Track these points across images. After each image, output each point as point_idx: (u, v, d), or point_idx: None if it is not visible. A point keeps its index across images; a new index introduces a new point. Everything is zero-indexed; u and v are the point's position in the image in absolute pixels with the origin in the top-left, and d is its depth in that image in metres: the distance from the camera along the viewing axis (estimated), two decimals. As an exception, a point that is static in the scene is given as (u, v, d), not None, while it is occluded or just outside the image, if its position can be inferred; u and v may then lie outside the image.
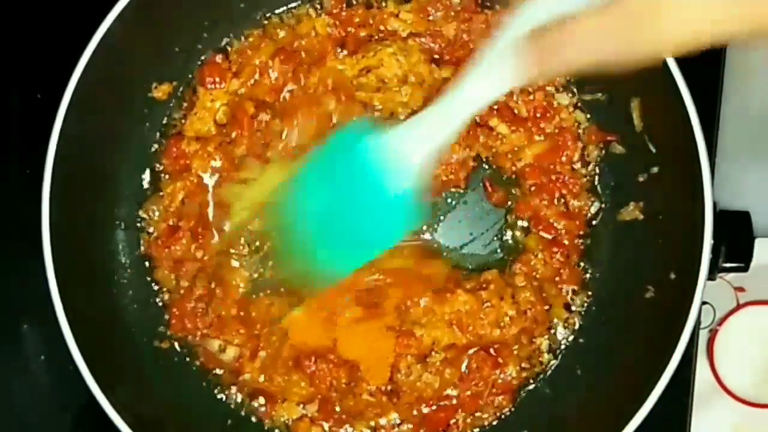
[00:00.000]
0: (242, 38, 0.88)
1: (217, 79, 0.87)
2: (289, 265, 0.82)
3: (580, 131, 0.85)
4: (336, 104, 0.85)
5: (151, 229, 0.87)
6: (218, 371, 0.85)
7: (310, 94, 0.85)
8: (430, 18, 0.86)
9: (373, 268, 0.83)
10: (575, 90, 0.85)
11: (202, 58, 0.88)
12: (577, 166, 0.85)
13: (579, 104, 0.85)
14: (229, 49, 0.88)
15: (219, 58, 0.87)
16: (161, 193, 0.87)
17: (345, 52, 0.86)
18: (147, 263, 0.87)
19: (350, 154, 0.78)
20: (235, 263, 0.85)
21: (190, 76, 0.88)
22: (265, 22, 0.88)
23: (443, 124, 0.70)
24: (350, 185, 0.77)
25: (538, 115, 0.85)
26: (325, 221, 0.79)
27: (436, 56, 0.86)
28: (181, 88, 0.88)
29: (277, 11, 0.88)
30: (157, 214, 0.86)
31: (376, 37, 0.87)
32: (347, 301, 0.83)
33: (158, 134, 0.88)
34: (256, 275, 0.85)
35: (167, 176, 0.87)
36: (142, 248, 0.86)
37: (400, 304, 0.83)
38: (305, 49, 0.87)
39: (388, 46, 0.85)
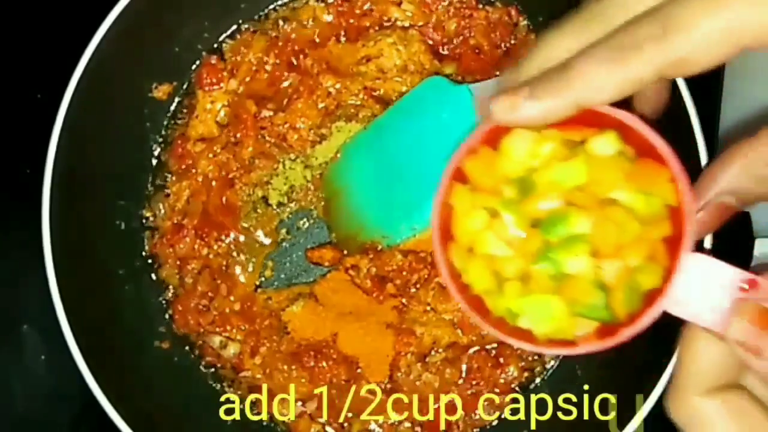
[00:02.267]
0: (237, 36, 0.88)
1: (214, 80, 0.87)
2: (344, 227, 0.84)
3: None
4: (334, 81, 0.85)
5: (155, 228, 0.87)
6: (219, 369, 0.85)
7: (308, 77, 0.86)
8: (431, 11, 0.86)
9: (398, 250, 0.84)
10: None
11: (202, 57, 0.88)
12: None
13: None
14: (223, 47, 0.88)
15: (214, 59, 0.87)
16: (165, 192, 0.87)
17: (345, 40, 0.87)
18: (149, 262, 0.87)
19: (424, 112, 0.80)
20: (242, 261, 0.86)
21: (190, 75, 0.88)
22: (267, 18, 0.88)
23: None
24: (421, 145, 0.79)
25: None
26: (390, 182, 0.80)
27: (438, 50, 0.86)
28: (181, 89, 0.88)
29: (278, 5, 0.88)
30: (162, 212, 0.86)
31: (377, 28, 0.87)
32: (347, 295, 0.84)
33: (159, 134, 0.88)
34: (259, 272, 0.86)
35: (173, 175, 0.87)
36: (147, 247, 0.87)
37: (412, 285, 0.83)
38: (304, 39, 0.87)
39: (387, 36, 0.85)
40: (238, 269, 0.86)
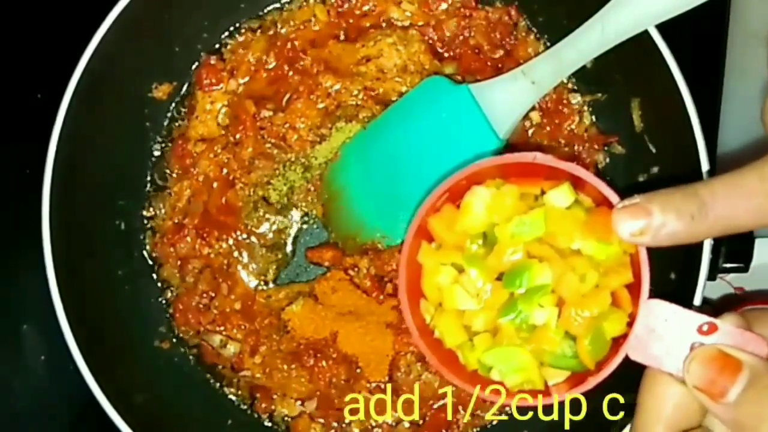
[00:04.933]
0: (236, 36, 0.88)
1: (214, 81, 0.87)
2: (344, 228, 0.84)
3: (585, 134, 0.85)
4: (334, 81, 0.85)
5: (156, 228, 0.87)
6: (219, 368, 0.85)
7: (308, 77, 0.86)
8: (431, 11, 0.86)
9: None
10: (582, 90, 0.85)
11: (202, 57, 0.88)
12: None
13: (586, 107, 0.85)
14: (223, 49, 0.88)
15: (213, 59, 0.87)
16: (166, 192, 0.87)
17: (345, 40, 0.87)
18: (149, 262, 0.87)
19: (424, 112, 0.80)
20: (243, 260, 0.86)
21: (190, 75, 0.88)
22: (266, 18, 0.88)
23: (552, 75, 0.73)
24: (421, 145, 0.79)
25: (556, 121, 0.85)
26: (389, 182, 0.81)
27: (438, 50, 0.86)
28: (181, 89, 0.88)
29: (278, 5, 0.88)
30: (162, 212, 0.87)
31: (377, 28, 0.87)
32: (347, 295, 0.84)
33: (159, 134, 0.88)
34: (260, 271, 0.86)
35: (173, 175, 0.87)
36: (148, 246, 0.87)
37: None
38: (304, 39, 0.87)
39: (387, 36, 0.85)
40: (238, 268, 0.86)
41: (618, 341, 0.56)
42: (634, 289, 0.56)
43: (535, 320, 0.57)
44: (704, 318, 0.53)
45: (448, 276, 0.60)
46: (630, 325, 0.55)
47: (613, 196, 0.56)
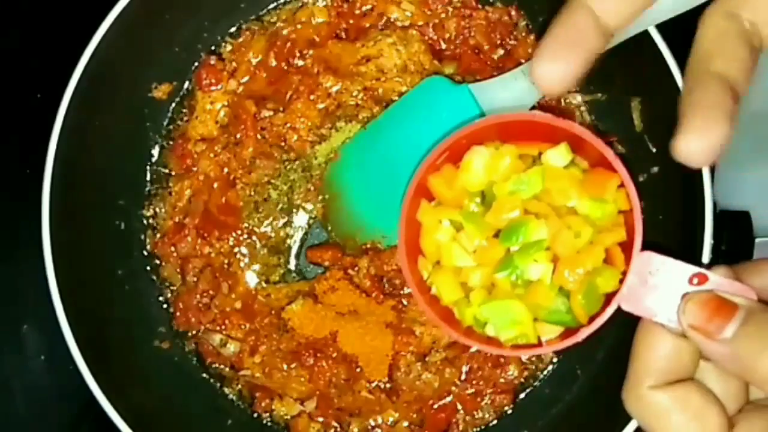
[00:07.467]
0: (236, 36, 0.88)
1: (214, 81, 0.87)
2: (344, 227, 0.84)
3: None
4: (334, 82, 0.85)
5: (156, 228, 0.87)
6: (218, 368, 0.85)
7: (308, 77, 0.86)
8: (431, 11, 0.86)
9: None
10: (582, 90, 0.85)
11: (201, 57, 0.88)
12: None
13: (586, 107, 0.85)
14: (222, 50, 0.88)
15: (213, 59, 0.87)
16: (166, 192, 0.87)
17: (345, 40, 0.87)
18: (150, 262, 0.87)
19: (424, 112, 0.80)
20: (243, 259, 0.86)
21: (190, 75, 0.88)
22: (266, 18, 0.88)
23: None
24: (421, 145, 0.79)
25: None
26: (389, 181, 0.81)
27: (438, 50, 0.86)
28: (181, 89, 0.88)
29: (277, 5, 0.89)
30: (162, 212, 0.87)
31: (377, 28, 0.87)
32: (347, 294, 0.84)
33: (159, 134, 0.88)
34: (260, 270, 0.86)
35: (174, 175, 0.87)
36: (148, 246, 0.87)
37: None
38: (304, 39, 0.87)
39: (387, 36, 0.85)
40: (239, 267, 0.86)
41: (610, 298, 0.57)
42: (627, 249, 0.57)
43: (530, 275, 0.58)
44: (695, 269, 0.54)
45: (446, 234, 0.61)
46: (623, 282, 0.57)
47: (609, 154, 0.58)
